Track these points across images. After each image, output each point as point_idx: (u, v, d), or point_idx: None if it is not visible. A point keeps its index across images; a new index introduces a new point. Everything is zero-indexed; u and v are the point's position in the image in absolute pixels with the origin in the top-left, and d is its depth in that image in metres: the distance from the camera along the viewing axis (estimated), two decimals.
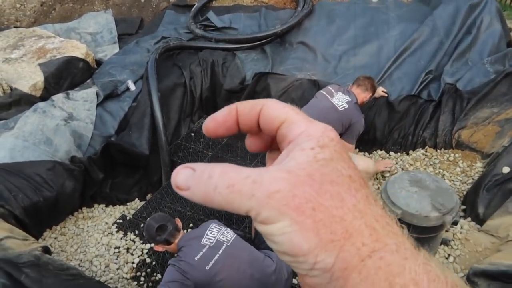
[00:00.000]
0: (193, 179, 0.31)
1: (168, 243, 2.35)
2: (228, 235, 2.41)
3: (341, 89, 3.40)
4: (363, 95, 3.40)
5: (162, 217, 2.40)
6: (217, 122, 0.37)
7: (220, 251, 2.30)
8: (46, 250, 2.71)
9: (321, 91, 3.47)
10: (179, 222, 2.46)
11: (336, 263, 0.28)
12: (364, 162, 3.41)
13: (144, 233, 2.73)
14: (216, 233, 2.39)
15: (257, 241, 2.79)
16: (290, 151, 0.33)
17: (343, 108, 3.26)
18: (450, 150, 3.65)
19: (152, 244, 2.94)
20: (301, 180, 0.29)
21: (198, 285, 2.28)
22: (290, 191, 0.29)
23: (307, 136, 0.33)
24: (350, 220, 0.29)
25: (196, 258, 2.25)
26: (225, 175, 0.30)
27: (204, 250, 2.29)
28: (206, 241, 2.33)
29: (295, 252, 0.29)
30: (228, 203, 0.30)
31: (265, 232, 0.30)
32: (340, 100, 3.30)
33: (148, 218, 2.45)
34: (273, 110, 0.36)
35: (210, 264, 2.25)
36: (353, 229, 0.29)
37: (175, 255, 2.37)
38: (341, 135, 3.38)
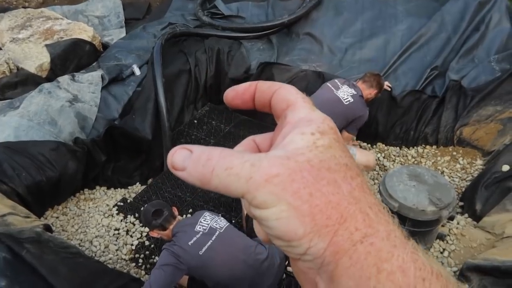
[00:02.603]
0: (190, 160, 0.32)
1: (163, 228, 2.42)
2: (221, 222, 2.48)
3: (346, 82, 3.39)
4: (367, 91, 3.38)
5: (159, 203, 2.50)
6: (236, 93, 0.39)
7: (213, 238, 2.36)
8: (47, 228, 2.76)
9: (327, 83, 3.46)
10: (175, 210, 2.54)
11: (329, 247, 0.29)
12: (365, 156, 3.39)
13: (141, 218, 2.80)
14: (210, 220, 2.46)
15: (248, 231, 2.83)
16: (287, 133, 0.33)
17: (348, 102, 3.26)
18: (451, 146, 3.65)
19: None
20: (300, 165, 0.30)
21: (192, 270, 2.34)
22: (289, 176, 0.29)
23: (308, 121, 0.33)
24: (345, 205, 0.30)
25: (189, 243, 2.31)
26: (224, 158, 0.31)
27: (197, 236, 2.35)
28: (200, 227, 2.40)
29: (290, 237, 0.29)
30: (225, 185, 0.30)
31: (259, 216, 0.30)
32: (345, 93, 3.29)
33: (146, 204, 2.52)
34: (286, 93, 0.37)
35: (203, 249, 2.31)
36: (347, 214, 0.29)
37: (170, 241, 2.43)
38: (343, 129, 3.39)
